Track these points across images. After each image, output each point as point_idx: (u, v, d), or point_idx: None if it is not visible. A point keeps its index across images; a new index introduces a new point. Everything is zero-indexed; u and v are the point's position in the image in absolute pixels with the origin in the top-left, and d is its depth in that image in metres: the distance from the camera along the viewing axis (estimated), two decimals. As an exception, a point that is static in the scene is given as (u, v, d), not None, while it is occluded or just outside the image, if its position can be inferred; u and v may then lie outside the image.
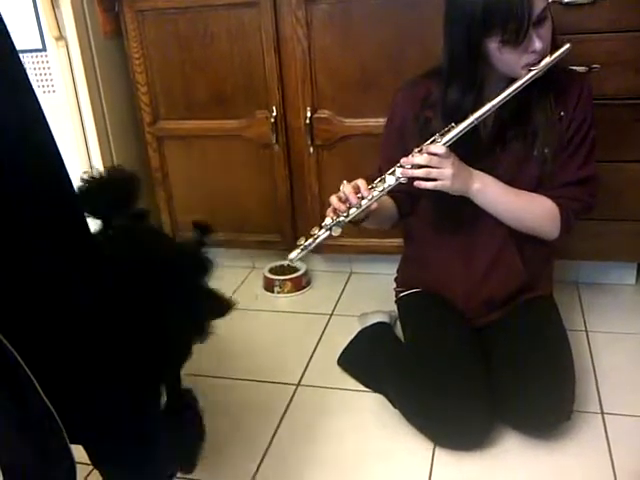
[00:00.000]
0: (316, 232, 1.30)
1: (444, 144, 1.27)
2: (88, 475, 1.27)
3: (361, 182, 1.28)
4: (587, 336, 1.73)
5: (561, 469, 1.32)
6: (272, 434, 1.46)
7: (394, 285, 1.68)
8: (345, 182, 1.29)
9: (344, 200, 1.27)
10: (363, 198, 1.26)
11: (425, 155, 1.26)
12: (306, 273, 2.11)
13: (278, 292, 2.08)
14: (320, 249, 2.15)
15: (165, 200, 2.14)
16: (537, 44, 1.23)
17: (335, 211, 1.27)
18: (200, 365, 1.73)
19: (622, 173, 1.75)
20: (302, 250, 1.30)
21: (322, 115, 1.90)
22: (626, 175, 1.76)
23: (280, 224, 2.06)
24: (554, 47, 1.28)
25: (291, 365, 1.70)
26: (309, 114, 1.89)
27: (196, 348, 1.20)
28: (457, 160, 1.29)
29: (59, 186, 0.76)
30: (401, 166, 1.28)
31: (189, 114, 2.01)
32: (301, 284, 2.09)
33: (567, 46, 1.28)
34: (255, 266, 2.24)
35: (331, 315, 1.93)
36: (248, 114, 1.95)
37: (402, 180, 1.27)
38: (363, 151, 1.85)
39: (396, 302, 1.65)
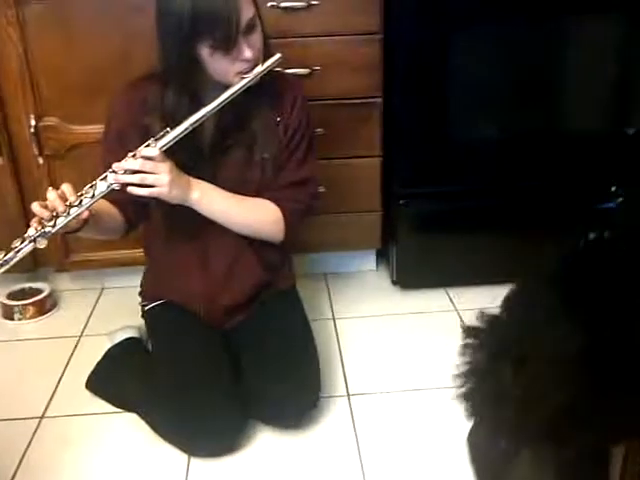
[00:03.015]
0: (18, 245, 1.17)
1: (159, 149, 1.22)
2: None
3: (66, 187, 1.18)
4: (334, 323, 1.83)
5: (311, 454, 1.37)
6: (12, 475, 1.33)
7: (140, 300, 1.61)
8: (50, 188, 1.18)
9: (51, 208, 1.16)
10: (72, 206, 1.17)
11: (139, 160, 1.20)
12: (50, 295, 1.94)
13: (19, 319, 1.88)
14: (64, 266, 2.04)
15: None
16: (247, 53, 1.23)
17: (40, 221, 1.16)
18: None
19: (351, 168, 1.88)
20: (1, 265, 1.17)
21: (48, 123, 1.76)
22: (355, 170, 1.88)
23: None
24: (267, 54, 1.30)
25: (34, 397, 1.55)
26: (34, 122, 1.74)
27: None
28: (174, 167, 1.25)
29: None
30: (114, 171, 1.21)
31: None
32: (45, 307, 1.92)
33: (278, 56, 1.29)
34: (-10, 293, 2.00)
35: (80, 337, 1.80)
36: (-42, 125, 1.73)
37: (115, 186, 1.21)
38: (96, 160, 1.74)
39: (142, 316, 1.58)
